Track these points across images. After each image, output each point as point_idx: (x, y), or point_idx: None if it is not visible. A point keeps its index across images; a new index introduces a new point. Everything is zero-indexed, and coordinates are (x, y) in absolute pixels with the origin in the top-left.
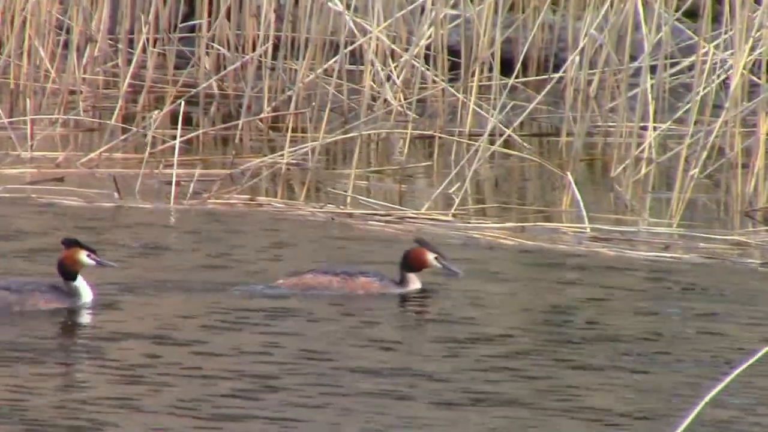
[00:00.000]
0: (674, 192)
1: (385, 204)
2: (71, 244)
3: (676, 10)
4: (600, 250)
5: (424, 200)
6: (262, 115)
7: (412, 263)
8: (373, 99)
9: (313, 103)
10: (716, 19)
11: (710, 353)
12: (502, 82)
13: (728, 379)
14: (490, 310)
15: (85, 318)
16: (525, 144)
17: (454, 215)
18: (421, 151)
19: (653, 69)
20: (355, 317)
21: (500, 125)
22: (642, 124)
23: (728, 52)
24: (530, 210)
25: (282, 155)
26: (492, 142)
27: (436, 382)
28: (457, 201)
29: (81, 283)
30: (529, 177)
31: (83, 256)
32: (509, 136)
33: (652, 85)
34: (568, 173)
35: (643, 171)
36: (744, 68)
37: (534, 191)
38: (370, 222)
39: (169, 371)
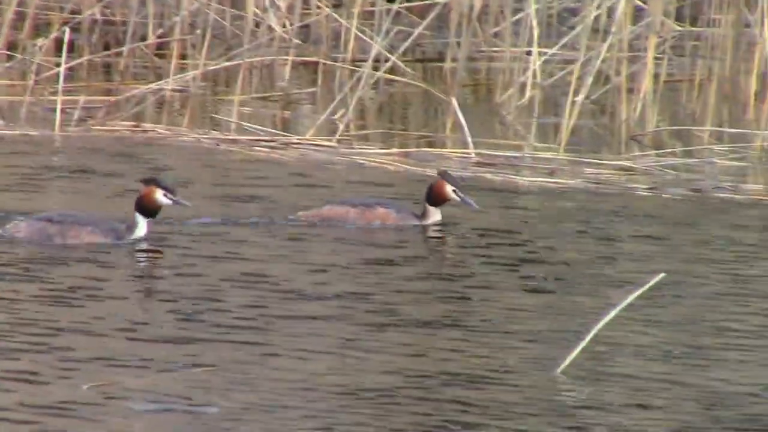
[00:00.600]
0: (561, 117)
1: (270, 130)
2: (150, 182)
3: None
4: (485, 175)
5: (309, 126)
6: (146, 42)
7: (434, 197)
8: (257, 25)
9: (198, 30)
10: None
11: (607, 277)
12: (386, 7)
13: (624, 303)
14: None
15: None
16: (409, 69)
17: (338, 141)
18: (305, 78)
19: None
20: (296, 241)
21: (384, 51)
22: (527, 49)
23: None
24: (414, 135)
25: (167, 82)
26: (376, 68)
27: (368, 304)
28: (341, 127)
29: (142, 221)
30: (413, 103)
31: (159, 194)
32: (393, 62)
33: (536, 10)
34: (453, 98)
35: (528, 96)
36: None
37: (419, 117)
38: (255, 148)
39: (109, 294)
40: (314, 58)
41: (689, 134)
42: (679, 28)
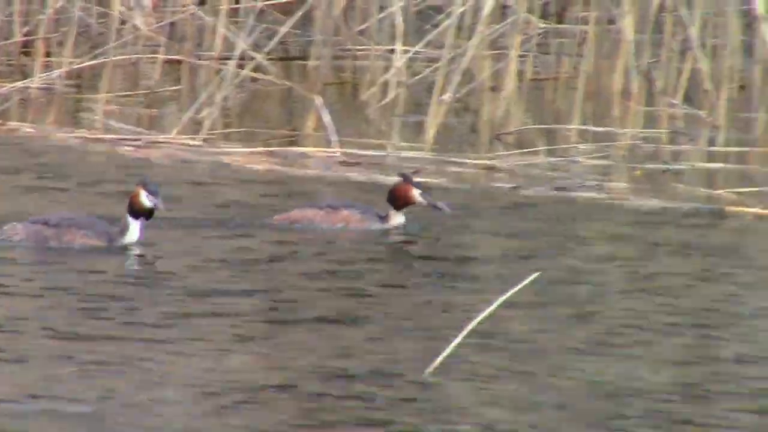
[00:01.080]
0: (426, 116)
1: (135, 128)
2: (138, 183)
3: None
4: (350, 174)
5: (174, 125)
6: (12, 40)
7: (398, 200)
8: (122, 23)
9: (64, 28)
10: None
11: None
12: (251, 4)
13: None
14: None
15: None
16: (273, 68)
17: (204, 140)
18: (171, 76)
19: None
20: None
21: (249, 49)
22: (391, 47)
23: None
24: (279, 134)
25: (32, 80)
26: (242, 66)
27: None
28: (206, 125)
29: (134, 223)
30: (278, 101)
31: (143, 196)
32: (258, 60)
33: (402, 7)
34: (317, 97)
35: (392, 95)
36: None
37: (283, 115)
38: (121, 146)
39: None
40: (179, 57)
41: (554, 133)
42: (544, 26)
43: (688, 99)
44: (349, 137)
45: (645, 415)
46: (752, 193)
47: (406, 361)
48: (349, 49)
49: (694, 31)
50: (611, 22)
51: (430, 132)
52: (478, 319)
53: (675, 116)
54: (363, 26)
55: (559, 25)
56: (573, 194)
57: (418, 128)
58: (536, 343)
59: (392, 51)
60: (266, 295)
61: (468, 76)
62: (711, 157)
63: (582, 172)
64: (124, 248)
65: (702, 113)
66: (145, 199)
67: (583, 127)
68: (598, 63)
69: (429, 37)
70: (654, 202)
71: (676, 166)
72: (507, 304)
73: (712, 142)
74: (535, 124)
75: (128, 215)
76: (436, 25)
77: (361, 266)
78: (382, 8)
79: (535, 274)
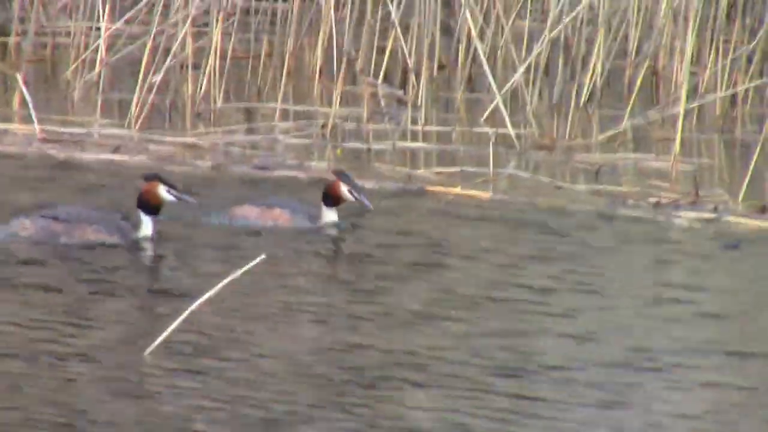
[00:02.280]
0: (129, 94)
1: None
2: (151, 178)
3: None
4: (51, 152)
5: None
6: None
7: (330, 197)
8: None
9: None
10: None
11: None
12: None
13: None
14: None
15: None
16: None
17: None
18: None
19: None
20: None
21: None
22: (94, 24)
23: None
24: None
25: None
26: None
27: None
28: None
29: (145, 218)
30: None
31: (162, 190)
32: None
33: None
34: (18, 74)
35: (95, 72)
36: None
37: None
38: None
39: None
40: None
41: (255, 111)
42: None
43: (388, 78)
44: (52, 115)
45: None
46: (453, 173)
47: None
48: (50, 27)
49: (393, 10)
50: None
51: (133, 109)
52: (198, 302)
53: (376, 95)
54: (64, 2)
55: (261, 1)
56: (274, 173)
57: (122, 106)
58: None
59: (94, 29)
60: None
61: (171, 53)
62: (412, 136)
63: (282, 151)
64: (138, 243)
65: (402, 93)
66: (166, 194)
67: (284, 106)
68: (299, 41)
69: (130, 13)
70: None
71: (377, 146)
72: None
73: (412, 121)
74: (236, 103)
75: (140, 210)
76: (137, 2)
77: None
78: None
79: (261, 257)
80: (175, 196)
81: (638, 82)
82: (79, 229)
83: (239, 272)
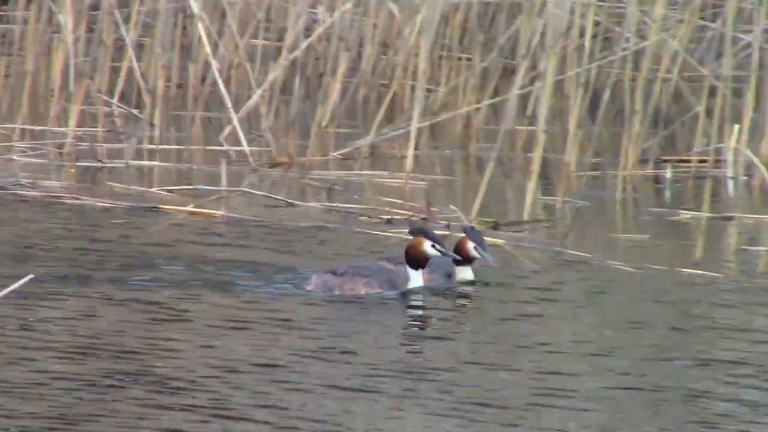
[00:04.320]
0: None
1: None
2: (417, 233)
3: None
4: None
5: None
6: None
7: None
8: None
9: None
10: None
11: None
12: None
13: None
14: None
15: None
16: None
17: None
18: None
19: None
20: None
21: None
22: None
23: None
24: None
25: None
26: None
27: None
28: None
29: (413, 272)
30: None
31: (427, 246)
32: None
33: None
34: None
35: None
36: None
37: None
38: None
39: None
40: None
41: None
42: None
43: (125, 98)
44: None
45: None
46: (187, 191)
47: None
48: None
49: (124, 30)
50: (50, 20)
51: None
52: None
53: (112, 115)
54: None
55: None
56: (9, 192)
57: None
58: None
59: None
60: None
61: None
62: (147, 155)
63: (17, 170)
64: (407, 295)
65: (138, 112)
66: (431, 249)
67: (22, 126)
68: (37, 61)
69: None
70: (91, 201)
71: (112, 164)
72: None
73: (148, 140)
74: None
75: (407, 265)
76: None
77: None
78: None
79: (29, 276)
80: (439, 251)
81: (374, 101)
82: (351, 282)
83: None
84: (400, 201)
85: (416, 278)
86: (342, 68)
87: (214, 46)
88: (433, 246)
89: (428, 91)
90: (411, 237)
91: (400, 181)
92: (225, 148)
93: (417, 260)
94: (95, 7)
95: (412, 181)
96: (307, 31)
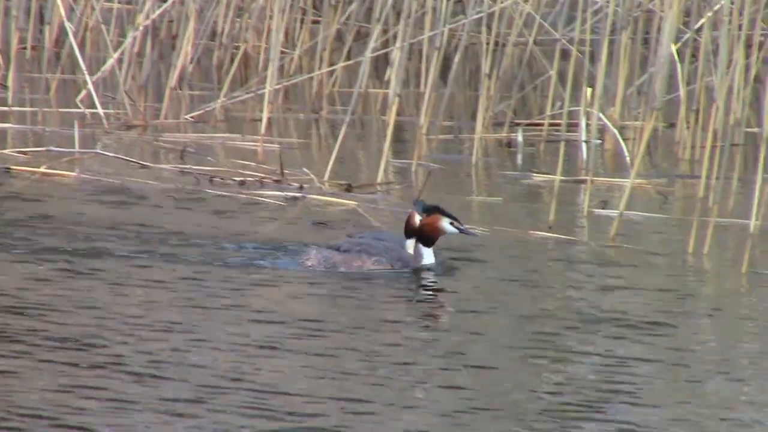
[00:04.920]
0: None
1: None
2: (432, 210)
3: None
4: None
5: None
6: None
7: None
8: None
9: None
10: None
11: None
12: None
13: None
14: None
15: None
16: None
17: None
18: None
19: None
20: None
21: None
22: None
23: None
24: None
25: None
26: None
27: None
28: None
29: (425, 249)
30: None
31: (446, 223)
32: None
33: None
34: None
35: None
36: None
37: None
38: None
39: None
40: None
41: None
42: None
43: None
44: None
45: None
46: (40, 153)
47: None
48: None
49: None
50: None
51: None
52: None
53: None
54: None
55: None
56: None
57: None
58: None
59: None
60: None
61: None
62: (0, 117)
63: None
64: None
65: None
66: (449, 226)
67: None
68: None
69: None
70: None
71: None
72: None
73: (1, 102)
74: None
75: (418, 242)
76: None
77: None
78: None
79: None
80: (458, 228)
81: (228, 63)
82: (359, 260)
83: None
84: (253, 164)
85: (429, 255)
86: (192, 30)
87: (70, 10)
88: (451, 223)
89: (283, 54)
90: (425, 214)
91: (254, 144)
92: (80, 110)
93: (432, 237)
94: None
95: (266, 144)
96: None
